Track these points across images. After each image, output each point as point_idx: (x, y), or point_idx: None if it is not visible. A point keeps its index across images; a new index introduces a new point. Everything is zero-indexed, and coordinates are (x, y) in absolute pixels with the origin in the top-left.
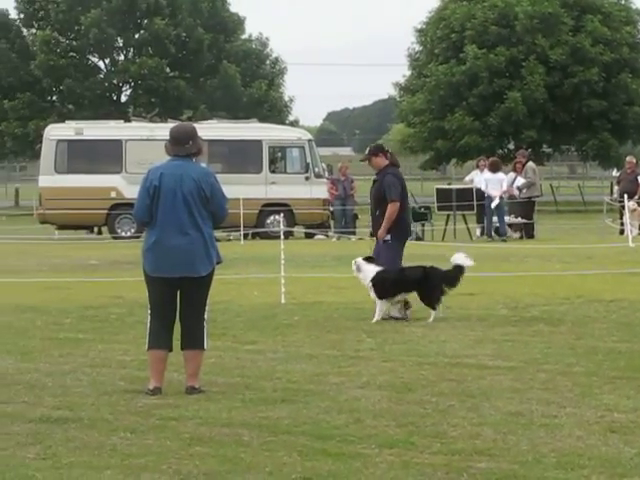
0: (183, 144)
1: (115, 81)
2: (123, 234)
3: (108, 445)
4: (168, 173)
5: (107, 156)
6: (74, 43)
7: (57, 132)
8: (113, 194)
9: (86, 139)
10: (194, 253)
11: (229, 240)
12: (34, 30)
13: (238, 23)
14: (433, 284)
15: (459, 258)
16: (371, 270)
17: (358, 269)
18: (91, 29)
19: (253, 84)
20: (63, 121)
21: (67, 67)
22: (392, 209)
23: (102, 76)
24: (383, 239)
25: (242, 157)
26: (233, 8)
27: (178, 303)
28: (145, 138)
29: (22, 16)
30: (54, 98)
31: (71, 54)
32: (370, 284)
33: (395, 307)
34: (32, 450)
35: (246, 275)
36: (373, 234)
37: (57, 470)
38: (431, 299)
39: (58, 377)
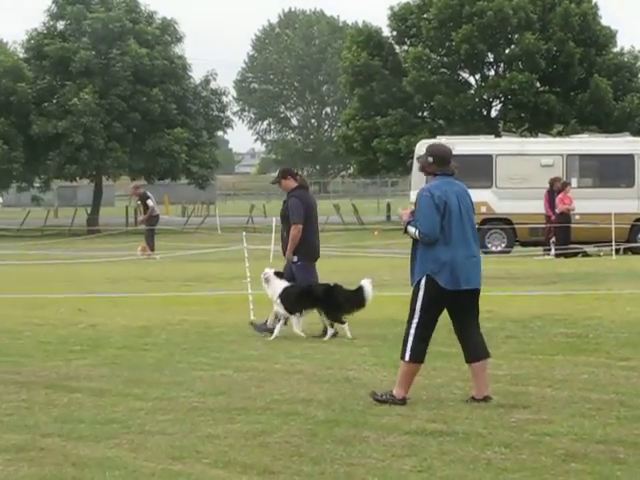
0: (448, 163)
1: (485, 96)
2: (493, 249)
3: (483, 459)
4: (449, 190)
5: (478, 171)
6: (445, 59)
7: None
8: (483, 209)
9: (457, 154)
10: (479, 266)
11: (599, 255)
12: (406, 47)
13: (610, 37)
14: (337, 302)
15: (364, 281)
16: (279, 285)
17: (266, 281)
18: (462, 45)
19: (625, 98)
20: (434, 137)
21: (438, 83)
22: (294, 231)
23: (472, 92)
24: (292, 261)
25: (614, 171)
26: (604, 21)
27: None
28: (515, 153)
29: (395, 34)
30: (425, 114)
31: (442, 70)
32: (278, 300)
33: (298, 323)
34: (408, 462)
35: (618, 291)
36: (283, 254)
37: None
38: (335, 316)
39: (432, 390)
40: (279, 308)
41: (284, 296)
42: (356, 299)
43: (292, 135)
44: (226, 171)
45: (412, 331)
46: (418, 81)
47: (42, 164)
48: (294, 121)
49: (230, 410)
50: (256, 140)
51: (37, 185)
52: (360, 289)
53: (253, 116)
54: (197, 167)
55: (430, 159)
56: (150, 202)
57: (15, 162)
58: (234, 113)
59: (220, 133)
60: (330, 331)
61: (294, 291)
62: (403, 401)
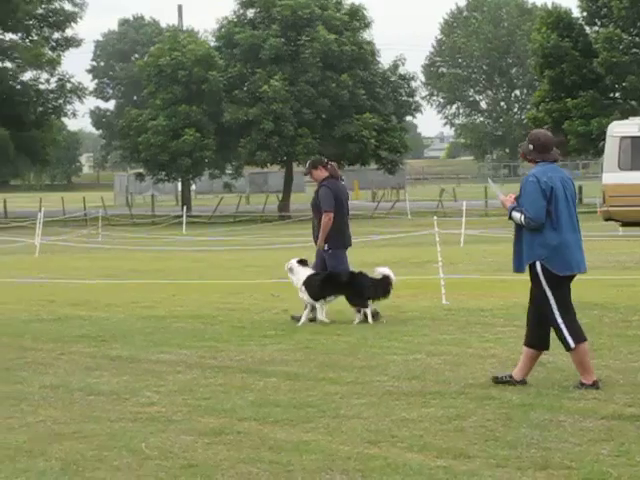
0: (549, 150)
1: None
2: None
3: None
4: (554, 176)
5: None
6: (637, 39)
7: (620, 129)
8: None
9: None
10: (583, 250)
11: None
12: (597, 28)
13: None
14: (360, 288)
15: (384, 269)
16: (303, 273)
17: (290, 271)
18: None
19: None
20: (625, 118)
21: (630, 64)
22: (325, 219)
23: None
24: (323, 249)
25: None
26: None
27: None
28: None
29: (585, 14)
30: (616, 95)
31: (634, 50)
32: (302, 287)
33: (322, 310)
34: (605, 446)
35: None
36: (315, 242)
37: (631, 467)
38: (360, 301)
39: (629, 374)
40: (304, 295)
41: (308, 283)
42: (382, 286)
43: (481, 119)
44: (415, 155)
45: (559, 319)
46: (609, 62)
47: (233, 151)
48: (483, 104)
49: (424, 394)
50: (445, 124)
51: (229, 172)
52: (386, 278)
53: (442, 100)
54: (386, 152)
55: (530, 146)
56: None
57: (207, 149)
58: (422, 98)
59: (409, 118)
60: (358, 317)
61: (318, 278)
62: (595, 384)
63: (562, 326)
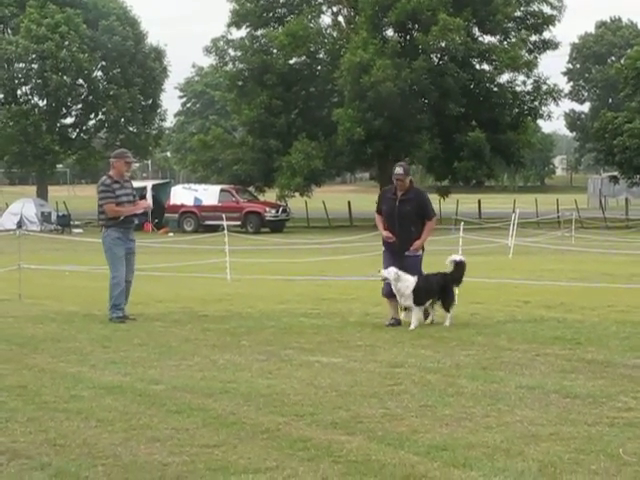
0: None
1: None
2: None
3: None
4: None
5: None
6: None
7: None
8: None
9: None
10: None
11: None
12: None
13: None
14: (450, 289)
15: (455, 256)
16: (411, 280)
17: (397, 279)
18: None
19: None
20: None
21: None
22: (432, 224)
23: None
24: (414, 254)
25: None
26: None
27: None
28: None
29: None
30: None
31: None
32: (411, 293)
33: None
34: None
35: None
36: (400, 250)
37: None
38: (450, 304)
39: None
40: (409, 300)
41: (417, 289)
42: (459, 274)
43: None
44: None
45: None
46: None
47: None
48: None
49: None
50: None
51: None
52: (459, 263)
53: None
54: None
55: None
56: None
57: None
58: None
59: None
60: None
61: (422, 284)
62: None
63: None
